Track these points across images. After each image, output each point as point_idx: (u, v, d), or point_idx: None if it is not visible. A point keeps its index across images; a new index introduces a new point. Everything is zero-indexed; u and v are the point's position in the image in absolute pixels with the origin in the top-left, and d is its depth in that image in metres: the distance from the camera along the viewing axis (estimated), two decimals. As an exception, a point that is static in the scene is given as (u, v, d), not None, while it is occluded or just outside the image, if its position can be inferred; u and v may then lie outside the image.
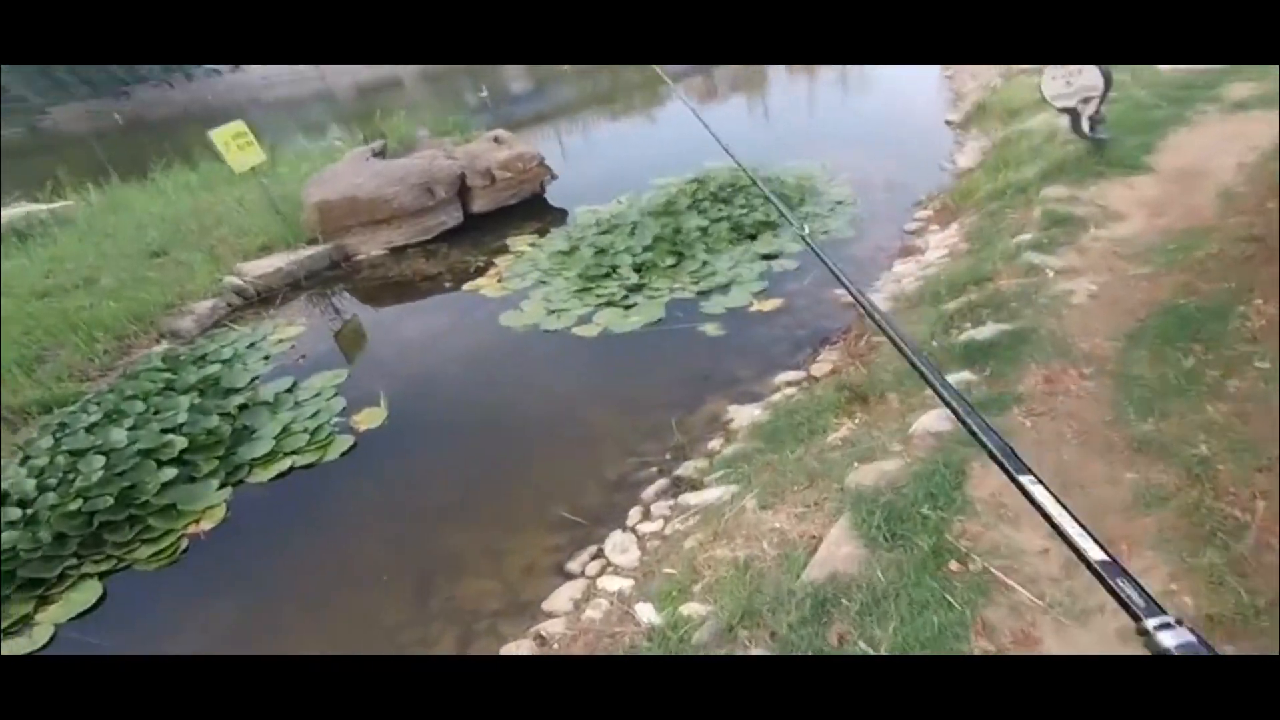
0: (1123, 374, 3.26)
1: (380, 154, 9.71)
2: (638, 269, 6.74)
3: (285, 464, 4.56)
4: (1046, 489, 0.78)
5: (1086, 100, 5.80)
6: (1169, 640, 0.57)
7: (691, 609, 2.77)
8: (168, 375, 5.40)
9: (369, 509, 4.38)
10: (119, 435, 4.67)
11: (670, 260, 6.80)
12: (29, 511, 4.23)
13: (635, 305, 6.15)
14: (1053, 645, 2.13)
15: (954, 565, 2.43)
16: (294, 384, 5.63)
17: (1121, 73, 8.86)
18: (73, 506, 4.15)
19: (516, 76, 25.55)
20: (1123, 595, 0.63)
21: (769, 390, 4.68)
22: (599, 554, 3.55)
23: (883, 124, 11.69)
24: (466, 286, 7.10)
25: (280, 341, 6.46)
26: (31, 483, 4.43)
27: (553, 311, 6.26)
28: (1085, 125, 5.92)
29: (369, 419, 5.06)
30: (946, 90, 12.89)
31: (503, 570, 3.63)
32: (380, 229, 8.27)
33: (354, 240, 8.28)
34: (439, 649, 3.29)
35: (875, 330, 4.79)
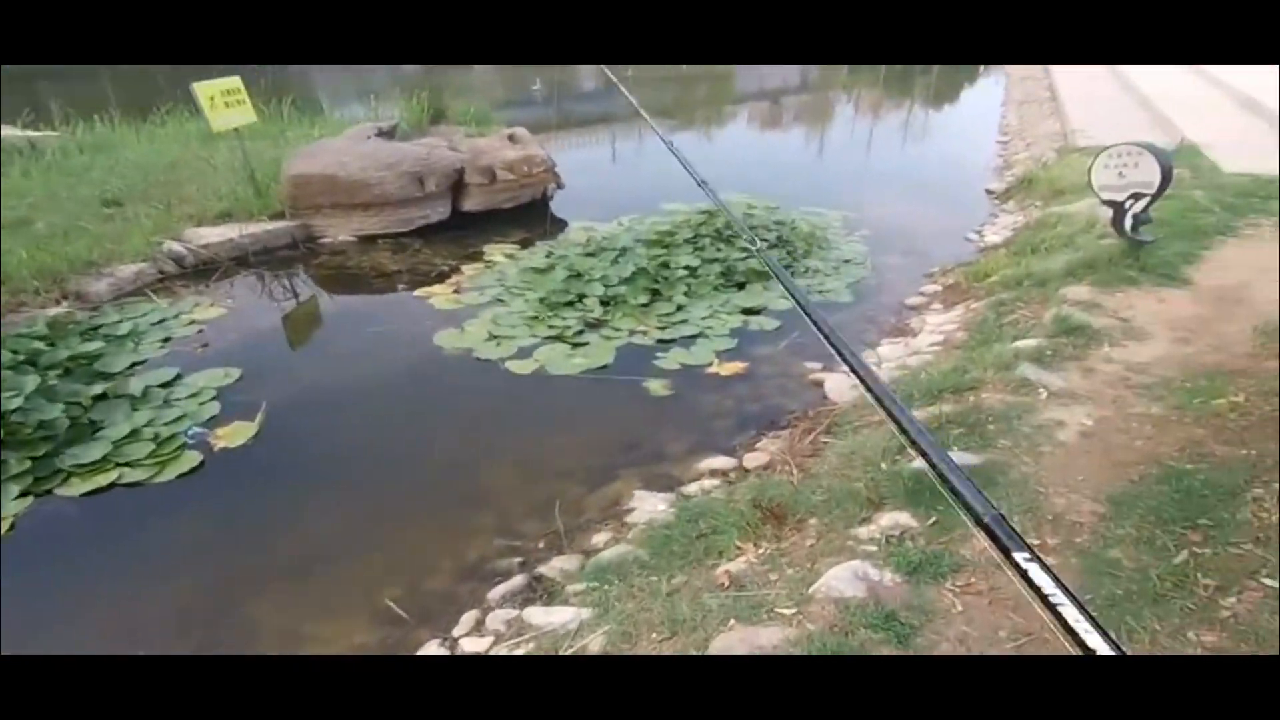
0: (1096, 555, 2.55)
1: (389, 134, 9.20)
2: (605, 302, 6.10)
3: (111, 477, 3.91)
4: (1044, 567, 0.67)
5: (1136, 197, 5.07)
6: None
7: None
8: (39, 346, 4.81)
9: (165, 556, 3.65)
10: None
11: (644, 298, 6.15)
12: None
13: (585, 345, 5.51)
14: None
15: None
16: (177, 377, 5.02)
17: (1181, 167, 8.11)
18: None
19: (589, 74, 25.29)
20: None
21: (690, 476, 4.00)
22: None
23: (922, 180, 10.96)
24: (419, 292, 6.50)
25: (192, 323, 5.87)
26: None
27: (494, 337, 5.63)
28: (1128, 223, 5.18)
29: (234, 435, 4.43)
30: (997, 155, 12.15)
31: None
32: (355, 213, 7.71)
33: (323, 221, 7.73)
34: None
35: (827, 429, 4.09)
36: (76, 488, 3.87)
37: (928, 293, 6.37)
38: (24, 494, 3.79)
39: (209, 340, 5.69)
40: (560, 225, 8.31)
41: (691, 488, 3.85)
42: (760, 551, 2.95)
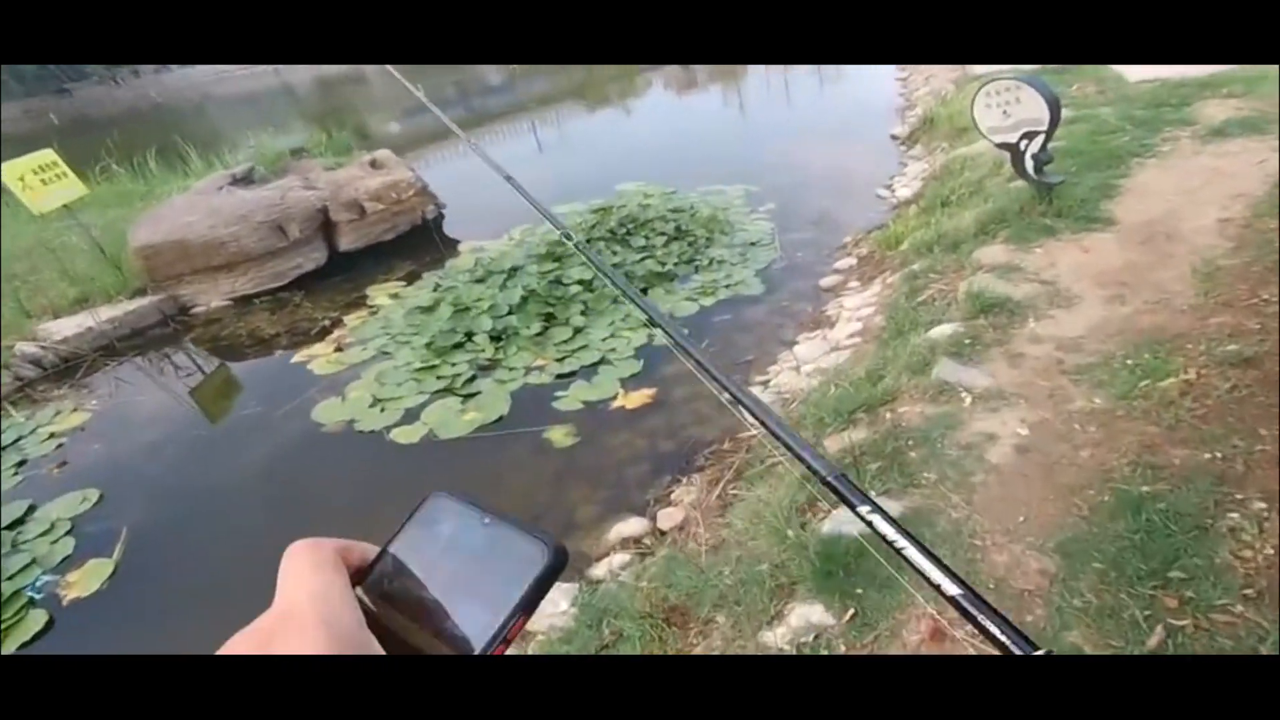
0: (1053, 642, 2.02)
1: (245, 180, 8.34)
2: (497, 337, 5.44)
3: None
4: (887, 518, 0.68)
5: (1029, 135, 4.53)
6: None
7: None
8: None
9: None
10: None
11: (537, 326, 5.50)
12: None
13: (478, 395, 4.86)
14: None
15: None
16: (29, 510, 4.31)
17: (1087, 82, 7.64)
18: None
19: (488, 69, 24.26)
20: (986, 629, 0.59)
21: (600, 551, 3.41)
22: None
23: (827, 133, 10.41)
24: (300, 355, 5.77)
25: (50, 437, 5.12)
26: None
27: (378, 401, 4.95)
28: (1029, 166, 4.65)
29: (87, 578, 3.74)
30: (898, 94, 11.63)
31: None
32: (221, 276, 6.91)
33: (191, 289, 6.93)
34: None
35: (737, 473, 3.53)
36: None
37: (842, 269, 5.82)
38: None
39: (67, 457, 4.94)
40: (451, 248, 7.59)
41: (600, 569, 3.25)
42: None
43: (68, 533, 4.12)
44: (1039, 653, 0.57)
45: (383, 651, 0.42)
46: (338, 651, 0.40)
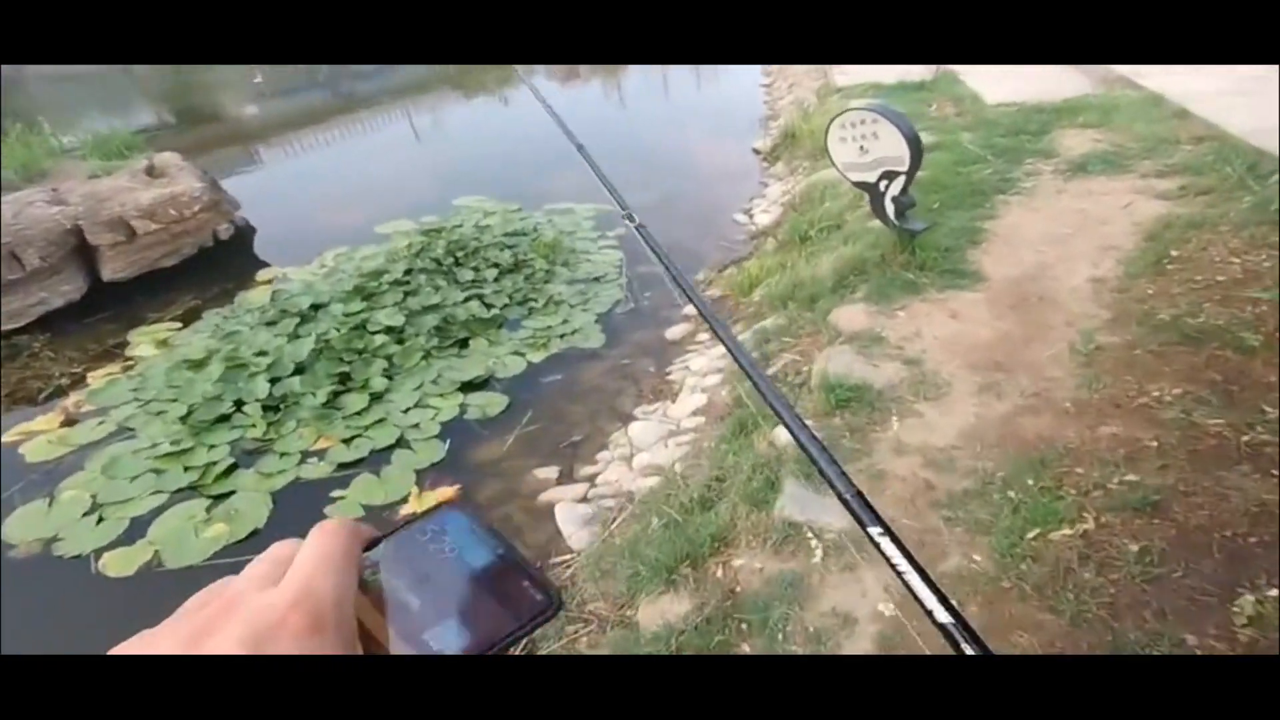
0: None
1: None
2: (274, 407, 4.35)
3: None
4: (895, 541, 0.68)
5: (889, 176, 3.87)
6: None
7: None
8: None
9: None
10: None
11: (327, 391, 4.42)
12: None
13: (231, 495, 3.78)
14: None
15: None
16: None
17: (945, 101, 7.20)
18: None
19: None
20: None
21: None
22: None
23: (687, 144, 9.69)
24: (15, 432, 4.45)
25: None
26: None
27: (97, 508, 3.77)
28: (889, 210, 4.00)
29: None
30: (763, 100, 11.04)
31: None
32: (-69, 318, 5.42)
33: (-106, 337, 5.41)
34: None
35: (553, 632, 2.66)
36: None
37: (690, 315, 5.06)
38: None
39: None
40: (249, 276, 6.33)
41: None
42: None
43: None
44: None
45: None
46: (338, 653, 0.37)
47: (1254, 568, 2.02)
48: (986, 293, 3.83)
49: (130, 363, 5.09)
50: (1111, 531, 2.21)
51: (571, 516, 3.28)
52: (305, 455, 3.98)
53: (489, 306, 5.30)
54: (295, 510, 3.63)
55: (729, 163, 8.50)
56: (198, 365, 4.80)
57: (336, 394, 4.43)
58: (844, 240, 4.83)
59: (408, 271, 5.82)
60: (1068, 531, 2.24)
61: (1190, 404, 2.67)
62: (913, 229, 4.05)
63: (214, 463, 3.95)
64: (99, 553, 3.47)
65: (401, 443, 4.03)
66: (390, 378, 4.57)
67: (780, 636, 2.13)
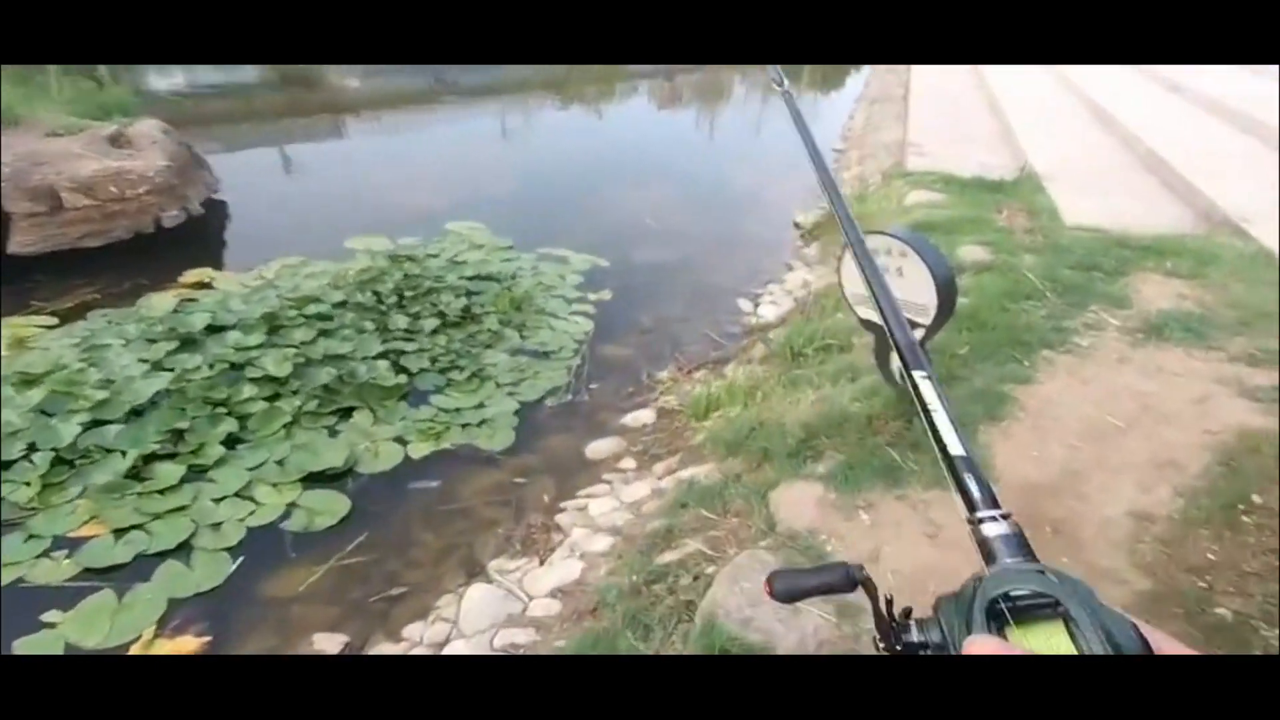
0: None
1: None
2: (69, 461, 3.41)
3: None
4: (935, 387, 0.73)
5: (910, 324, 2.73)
6: (992, 530, 0.57)
7: None
8: None
9: None
10: None
11: (142, 452, 3.47)
12: None
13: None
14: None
15: None
16: None
17: (1017, 211, 5.97)
18: None
19: None
20: (965, 487, 0.62)
21: None
22: None
23: (729, 202, 8.62)
24: None
25: None
26: None
27: None
28: (895, 369, 2.87)
29: None
30: (834, 165, 9.88)
31: None
32: None
33: None
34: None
35: None
36: None
37: (630, 427, 3.98)
38: None
39: None
40: (171, 276, 5.46)
41: None
42: None
43: None
44: (998, 512, 0.58)
45: None
46: None
47: None
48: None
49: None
50: None
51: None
52: (58, 542, 3.02)
53: (400, 370, 4.33)
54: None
55: (764, 232, 7.42)
56: (27, 383, 3.94)
57: (152, 458, 3.48)
58: (836, 374, 3.69)
59: (340, 304, 4.93)
60: None
61: None
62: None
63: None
64: None
65: (184, 548, 3.05)
66: (232, 446, 3.61)
67: None
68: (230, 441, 3.62)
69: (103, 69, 9.08)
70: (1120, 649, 0.45)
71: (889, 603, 0.63)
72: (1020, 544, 0.56)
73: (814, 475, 2.88)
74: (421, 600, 2.86)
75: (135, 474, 3.37)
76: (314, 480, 3.46)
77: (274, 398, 3.94)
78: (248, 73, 12.56)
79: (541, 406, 4.20)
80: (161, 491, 3.29)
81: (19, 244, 5.29)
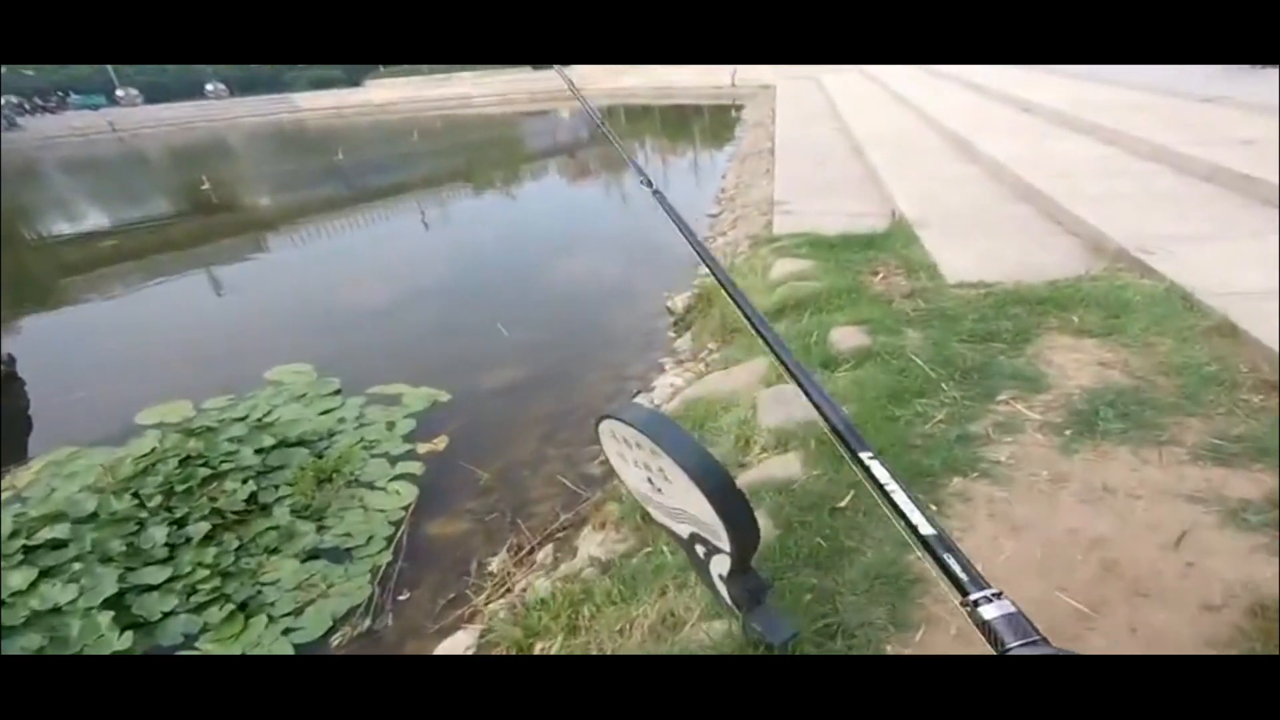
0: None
1: None
2: None
3: None
4: (884, 466, 0.74)
5: (708, 547, 1.80)
6: (991, 612, 0.56)
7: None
8: None
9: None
10: None
11: None
12: None
13: None
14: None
15: None
16: None
17: (894, 269, 5.27)
18: None
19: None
20: (949, 569, 0.60)
21: None
22: None
23: (600, 289, 7.81)
24: None
25: None
26: None
27: None
28: (723, 591, 1.92)
29: None
30: (706, 233, 9.17)
31: None
32: None
33: None
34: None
35: None
36: None
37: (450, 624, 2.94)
38: None
39: None
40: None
41: None
42: None
43: None
44: (991, 591, 0.58)
45: None
46: None
47: None
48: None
49: None
50: None
51: None
52: None
53: (131, 623, 3.19)
54: None
55: (635, 324, 6.59)
56: None
57: None
58: (679, 569, 2.73)
59: (89, 518, 3.81)
60: None
61: None
62: (766, 639, 1.96)
63: None
64: None
65: None
66: None
67: None
68: None
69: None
70: None
71: None
72: (1025, 624, 0.55)
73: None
74: None
75: None
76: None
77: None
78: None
79: (335, 630, 3.14)
80: None
81: None
